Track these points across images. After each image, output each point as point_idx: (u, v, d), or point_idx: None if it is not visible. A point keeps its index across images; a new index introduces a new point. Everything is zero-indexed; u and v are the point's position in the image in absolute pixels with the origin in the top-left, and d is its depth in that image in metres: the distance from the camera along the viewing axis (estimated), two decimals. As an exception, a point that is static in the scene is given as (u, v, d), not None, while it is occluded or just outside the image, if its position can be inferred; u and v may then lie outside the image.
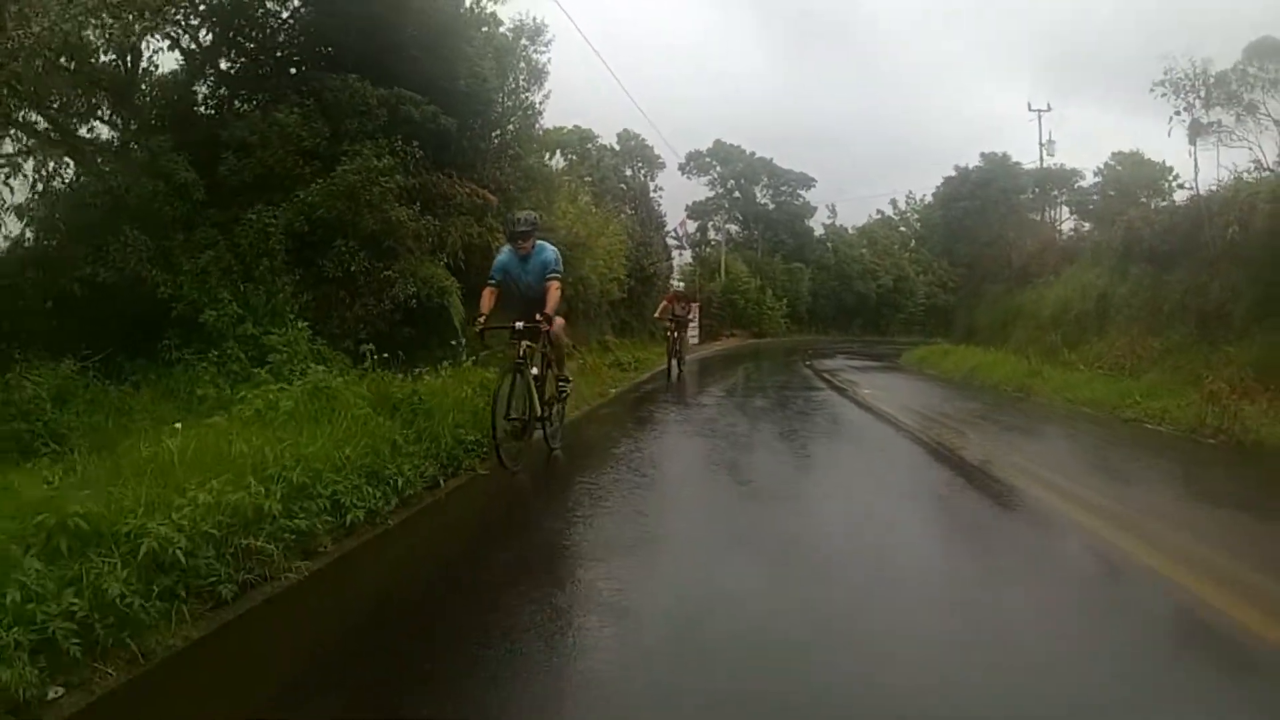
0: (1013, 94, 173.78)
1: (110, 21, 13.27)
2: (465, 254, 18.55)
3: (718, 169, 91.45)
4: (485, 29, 24.34)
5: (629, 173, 60.46)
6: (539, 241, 13.16)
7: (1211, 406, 16.44)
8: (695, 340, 44.36)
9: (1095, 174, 50.08)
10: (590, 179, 43.09)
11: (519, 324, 12.33)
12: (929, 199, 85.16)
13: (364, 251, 16.15)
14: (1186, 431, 16.32)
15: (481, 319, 12.69)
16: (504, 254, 13.21)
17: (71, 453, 8.90)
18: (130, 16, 13.78)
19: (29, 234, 15.41)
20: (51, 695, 4.75)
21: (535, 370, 12.47)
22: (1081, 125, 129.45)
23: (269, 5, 19.51)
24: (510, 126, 24.31)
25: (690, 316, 35.49)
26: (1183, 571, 7.32)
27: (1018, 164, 56.92)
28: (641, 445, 14.90)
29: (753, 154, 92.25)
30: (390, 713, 4.79)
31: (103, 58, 15.66)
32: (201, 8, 18.16)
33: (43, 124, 15.36)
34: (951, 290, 56.94)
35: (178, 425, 8.45)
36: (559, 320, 13.00)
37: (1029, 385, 25.75)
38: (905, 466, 13.52)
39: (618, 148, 61.03)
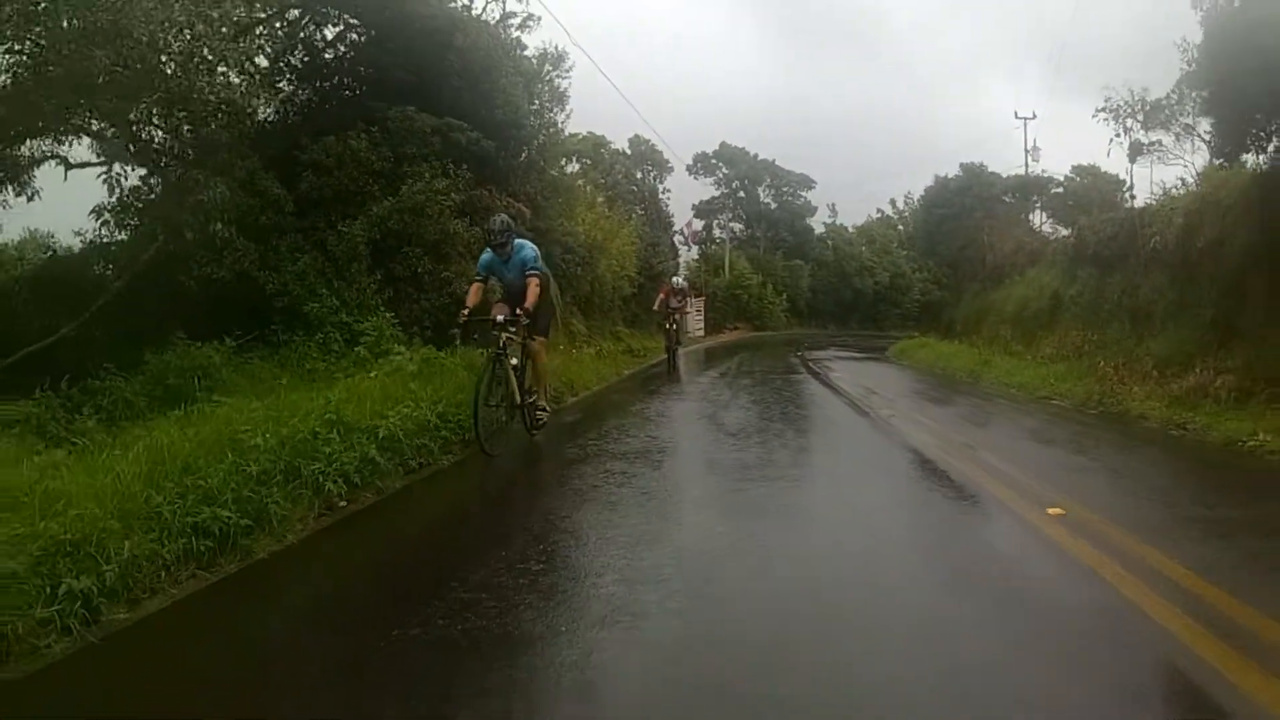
0: (1018, 91, 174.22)
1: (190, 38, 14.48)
2: None
3: (723, 170, 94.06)
4: (514, 54, 27.11)
5: (639, 175, 62.09)
6: (518, 240, 14.09)
7: (1099, 387, 20.46)
8: (701, 332, 46.52)
9: (1060, 184, 51.90)
10: (604, 182, 45.09)
11: (499, 316, 13.18)
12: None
13: (427, 256, 19.24)
14: (1077, 405, 20.19)
15: (465, 312, 13.59)
16: (487, 253, 14.16)
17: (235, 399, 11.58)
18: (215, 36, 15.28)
19: (159, 235, 17.37)
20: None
21: (515, 360, 13.30)
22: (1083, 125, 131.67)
23: (326, 33, 22.65)
24: (536, 142, 26.70)
25: (688, 308, 37.30)
26: (980, 475, 11.37)
27: (994, 174, 58.36)
28: (651, 405, 19.31)
29: (756, 156, 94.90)
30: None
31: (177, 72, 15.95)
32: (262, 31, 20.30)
33: (111, 132, 17.10)
34: (945, 287, 58.05)
35: (372, 374, 13.36)
36: (539, 341, 13.89)
37: (978, 372, 29.33)
38: (833, 418, 18.54)
39: (629, 152, 62.97)
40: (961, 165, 63.82)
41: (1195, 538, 8.37)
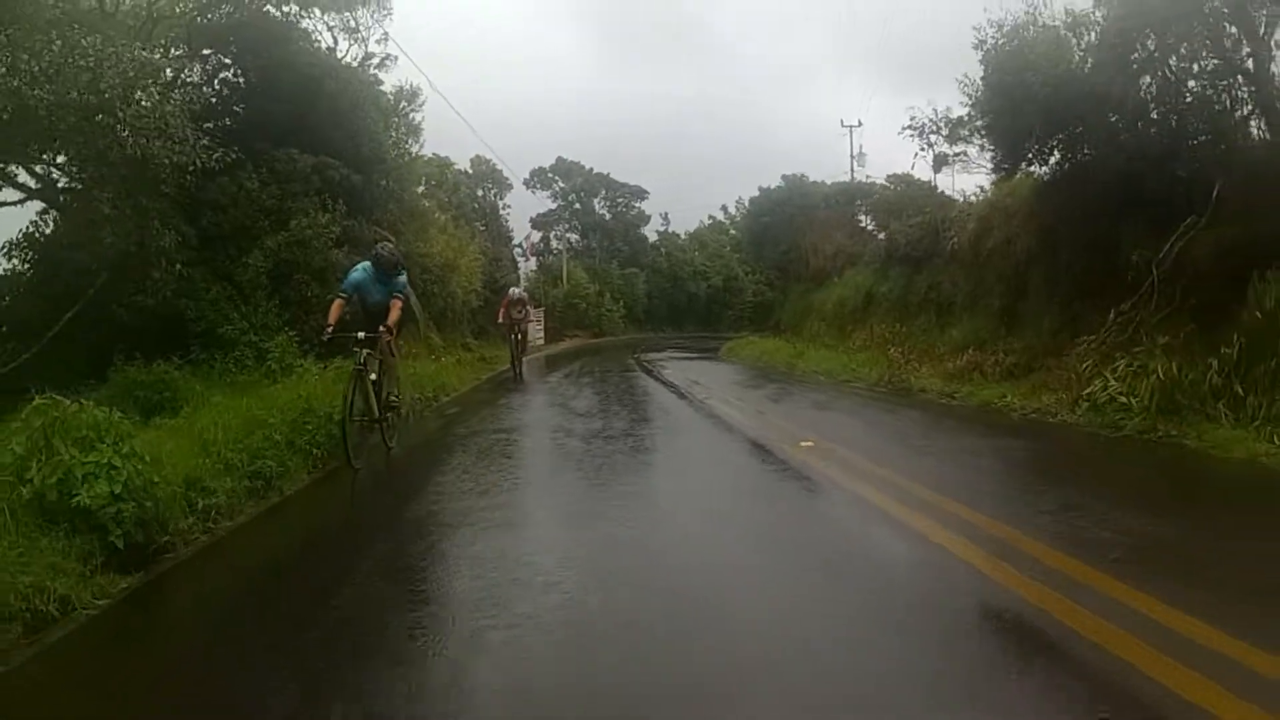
0: (850, 96, 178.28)
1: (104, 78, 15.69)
2: None
3: (559, 184, 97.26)
4: (375, 93, 30.04)
5: (480, 193, 64.12)
6: (398, 273, 15.02)
7: (890, 369, 24.34)
8: (541, 340, 48.73)
9: (878, 191, 51.84)
10: (449, 201, 46.27)
11: (361, 334, 13.87)
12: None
13: (314, 282, 21.36)
14: (870, 385, 24.32)
15: (330, 328, 14.12)
16: (359, 273, 14.61)
17: (184, 406, 14.14)
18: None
19: (95, 268, 18.48)
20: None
21: (374, 376, 13.84)
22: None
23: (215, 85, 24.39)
24: (395, 174, 29.18)
25: (531, 319, 38.93)
26: (763, 429, 16.27)
27: (815, 183, 58.95)
28: (514, 398, 23.97)
29: (591, 169, 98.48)
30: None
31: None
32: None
33: (22, 177, 18.72)
34: (775, 289, 59.59)
35: (316, 376, 16.28)
36: (388, 337, 14.32)
37: (793, 364, 32.89)
38: (661, 402, 22.53)
39: (470, 171, 64.42)
40: (783, 176, 65.94)
41: (911, 458, 13.02)
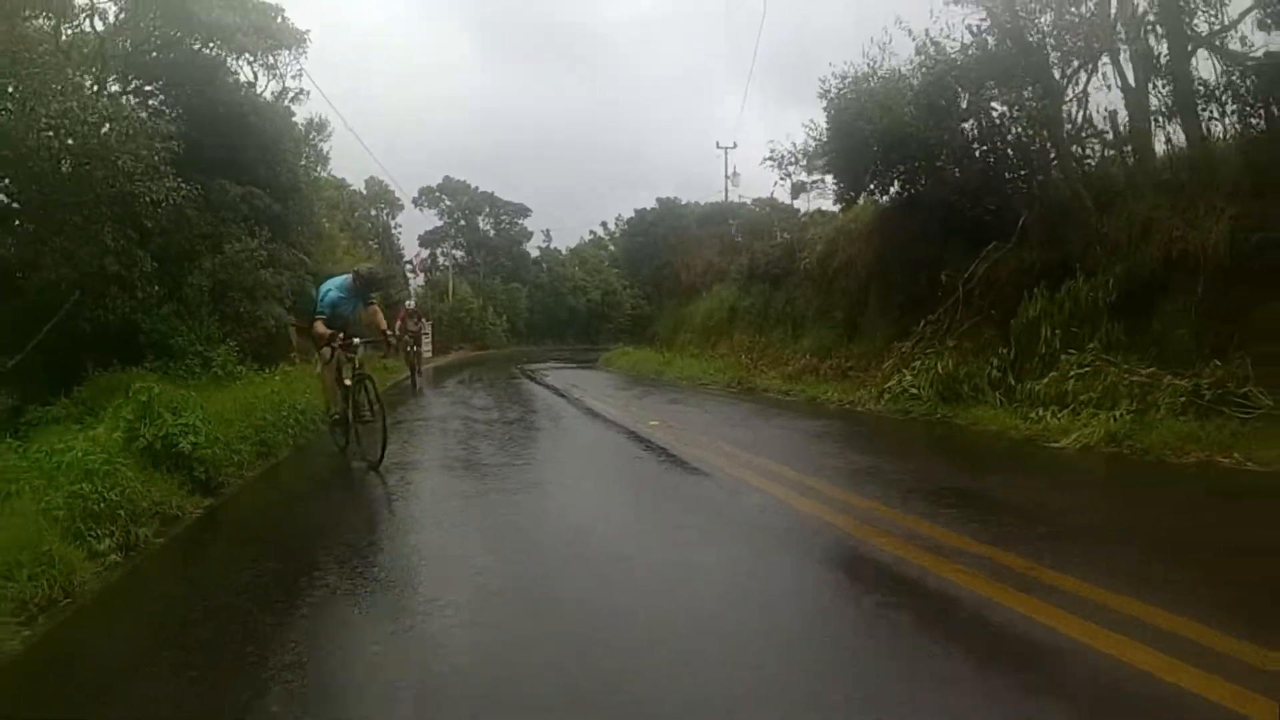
0: (733, 110, 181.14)
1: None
2: (295, 296, 26.69)
3: (446, 202, 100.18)
4: (289, 125, 32.68)
5: (374, 213, 66.56)
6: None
7: (740, 373, 28.30)
8: (429, 353, 50.99)
9: (746, 212, 54.07)
10: (346, 221, 48.73)
11: (356, 340, 14.24)
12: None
13: (247, 299, 24.36)
14: (723, 386, 28.51)
15: (338, 340, 14.08)
16: (333, 292, 14.52)
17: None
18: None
19: (65, 287, 19.84)
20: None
21: (348, 381, 14.11)
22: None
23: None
24: (306, 199, 32.04)
25: (425, 330, 40.96)
26: (623, 415, 20.57)
27: (687, 205, 62.78)
28: (420, 400, 26.47)
29: (476, 188, 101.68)
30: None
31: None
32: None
33: None
34: (651, 302, 63.45)
35: (277, 378, 19.35)
36: (393, 341, 16.05)
37: (661, 371, 36.76)
38: (545, 400, 25.98)
39: (365, 192, 67.22)
40: (658, 199, 68.98)
41: (732, 431, 17.42)
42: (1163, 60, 17.85)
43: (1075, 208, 18.17)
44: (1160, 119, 18.21)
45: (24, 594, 6.49)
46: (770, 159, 29.92)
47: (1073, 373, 15.57)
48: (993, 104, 21.04)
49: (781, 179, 31.63)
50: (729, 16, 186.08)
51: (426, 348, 43.24)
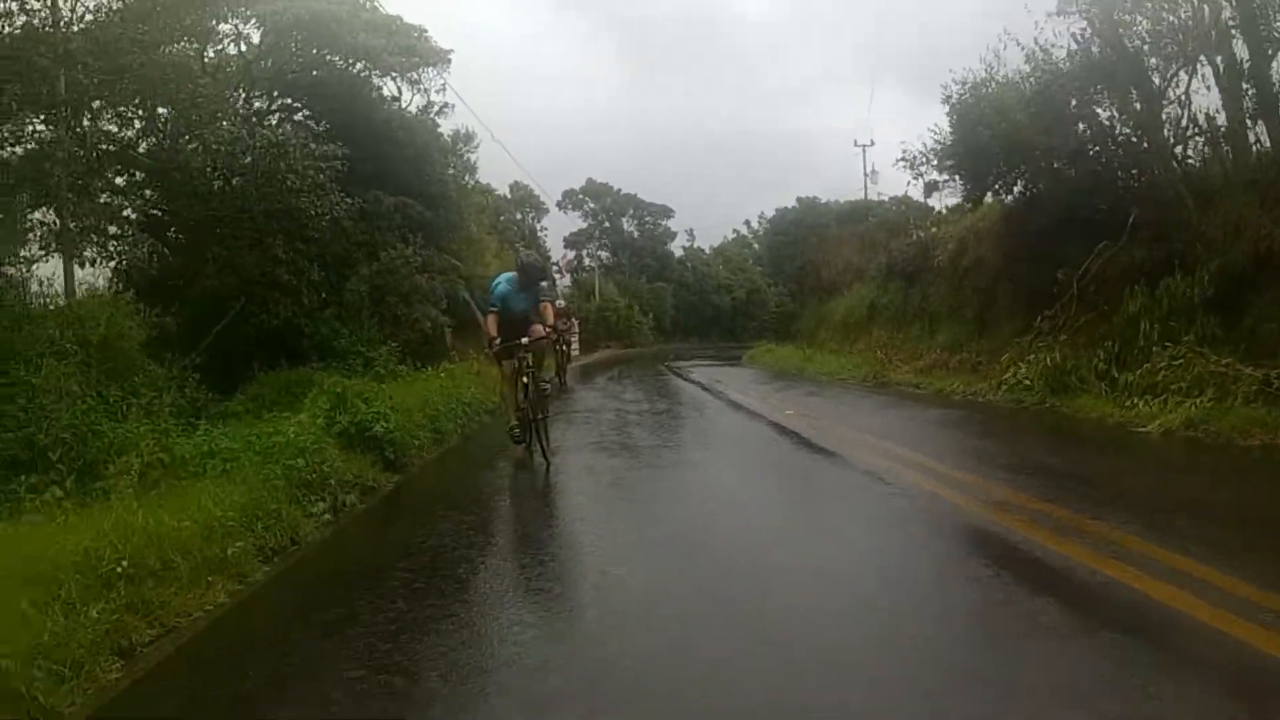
0: (876, 106, 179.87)
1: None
2: (448, 300, 27.91)
3: (590, 204, 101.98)
4: (437, 137, 34.45)
5: (519, 216, 68.19)
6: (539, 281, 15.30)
7: (875, 368, 29.24)
8: (577, 351, 52.29)
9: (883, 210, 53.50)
10: (493, 225, 50.70)
11: (524, 339, 14.06)
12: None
13: (402, 303, 25.36)
14: (859, 380, 29.50)
15: (496, 340, 14.14)
16: (503, 285, 14.57)
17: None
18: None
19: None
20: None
21: (527, 378, 14.14)
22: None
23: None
24: (456, 207, 33.27)
25: (574, 329, 41.97)
26: (763, 406, 21.93)
27: (827, 204, 63.91)
28: (573, 396, 26.93)
29: (620, 190, 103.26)
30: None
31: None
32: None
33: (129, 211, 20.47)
34: (795, 300, 64.08)
35: (442, 375, 21.22)
36: (552, 337, 15.27)
37: (802, 367, 37.78)
38: (691, 394, 28.04)
39: (510, 196, 68.03)
40: (798, 199, 70.58)
41: (861, 418, 18.80)
42: (1244, 65, 18.69)
43: (1177, 206, 18.95)
44: (1249, 121, 18.94)
45: (261, 542, 8.35)
46: (902, 159, 30.63)
47: (1163, 364, 16.67)
48: (1098, 108, 21.94)
49: (914, 179, 31.95)
50: (864, 13, 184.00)
51: (576, 347, 44.40)
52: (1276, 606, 5.87)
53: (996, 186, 26.03)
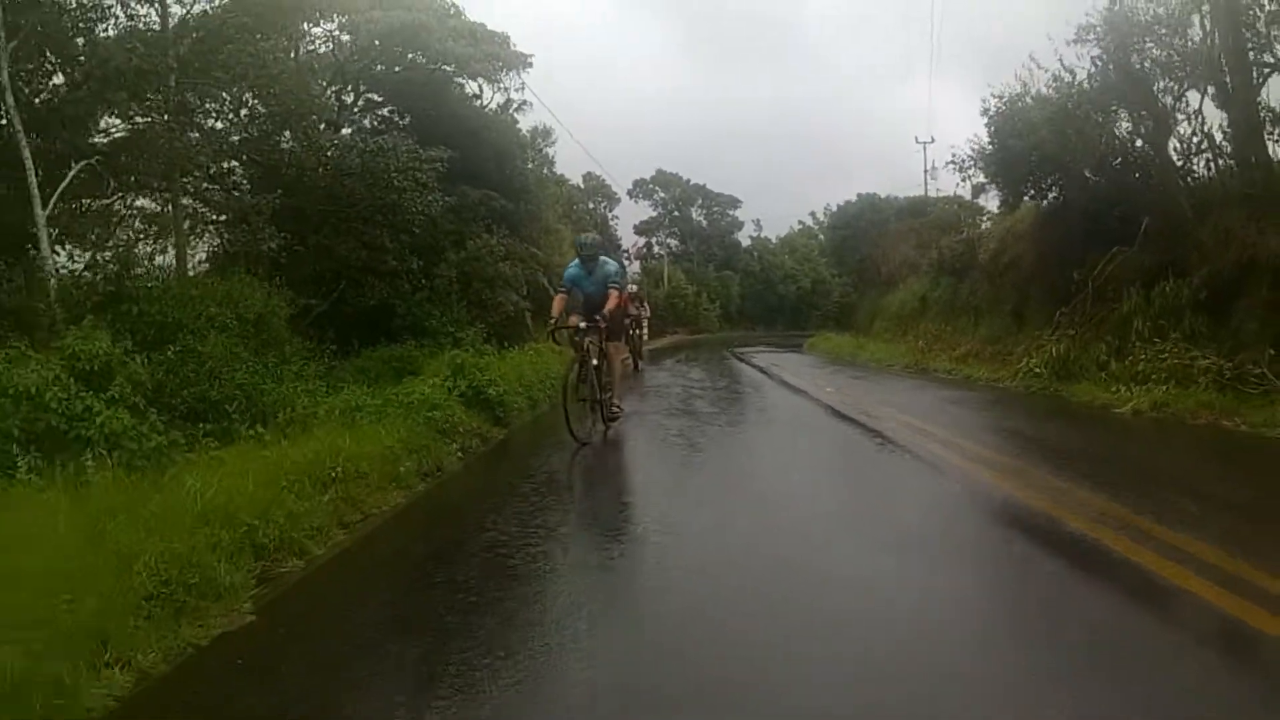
0: (940, 95, 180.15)
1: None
2: (528, 285, 30.07)
3: (659, 194, 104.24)
4: (517, 133, 37.15)
5: (591, 206, 70.44)
6: (601, 257, 15.39)
7: (917, 356, 31.83)
8: (647, 335, 54.64)
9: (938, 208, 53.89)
10: (567, 214, 53.16)
11: (582, 324, 14.23)
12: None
13: (487, 288, 27.47)
14: (904, 366, 32.09)
15: (553, 321, 14.81)
16: (573, 267, 15.16)
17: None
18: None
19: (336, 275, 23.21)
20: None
21: (595, 361, 14.33)
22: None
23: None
24: (535, 199, 35.94)
25: (645, 313, 41.78)
26: (809, 385, 24.62)
27: (887, 199, 66.05)
28: (643, 378, 28.90)
29: (689, 180, 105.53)
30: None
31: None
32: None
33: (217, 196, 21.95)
34: (857, 292, 65.59)
35: (527, 352, 24.02)
36: (614, 345, 15.41)
37: (855, 355, 40.24)
38: (749, 375, 30.87)
39: (583, 186, 71.40)
40: (858, 195, 71.15)
41: (891, 396, 21.46)
42: (1232, 90, 21.01)
43: (1180, 217, 21.23)
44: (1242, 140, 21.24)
45: (418, 466, 11.54)
46: (952, 162, 32.66)
47: (1144, 356, 19.43)
48: (1117, 125, 24.03)
49: (961, 181, 34.03)
50: (930, 6, 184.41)
51: (645, 331, 46.42)
52: (1139, 523, 8.40)
53: (1031, 192, 28.37)
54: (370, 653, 5.79)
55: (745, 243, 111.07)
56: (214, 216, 22.15)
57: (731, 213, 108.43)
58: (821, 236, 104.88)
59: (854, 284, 68.46)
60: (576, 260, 15.38)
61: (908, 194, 62.17)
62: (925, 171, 59.19)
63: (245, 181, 22.84)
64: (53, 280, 14.71)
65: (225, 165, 22.20)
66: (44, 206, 15.25)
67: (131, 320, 13.39)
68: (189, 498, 7.62)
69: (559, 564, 8.10)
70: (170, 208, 19.91)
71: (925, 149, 59.63)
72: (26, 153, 14.94)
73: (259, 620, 6.38)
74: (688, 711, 5.08)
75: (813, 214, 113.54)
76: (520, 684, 5.26)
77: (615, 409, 15.28)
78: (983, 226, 38.70)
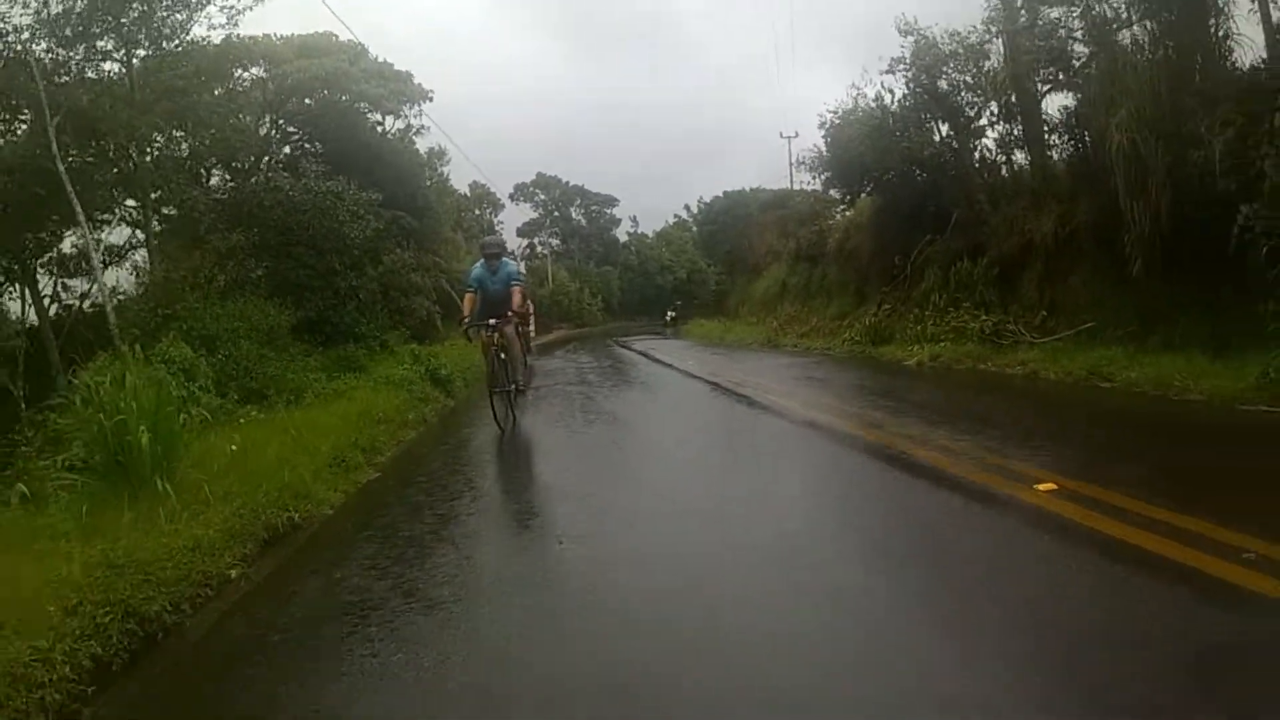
0: (813, 86, 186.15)
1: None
2: (436, 291, 34.87)
3: (540, 196, 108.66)
4: (417, 155, 42.09)
5: (477, 213, 73.80)
6: (503, 258, 16.39)
7: (770, 334, 36.95)
8: (534, 332, 57.89)
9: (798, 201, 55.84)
10: (457, 222, 56.29)
11: (492, 320, 15.06)
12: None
13: (404, 296, 31.10)
14: (759, 343, 37.18)
15: (465, 319, 15.69)
16: (478, 268, 15.84)
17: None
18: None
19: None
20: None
21: (502, 355, 15.33)
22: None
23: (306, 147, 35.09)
24: (434, 214, 40.02)
25: (530, 311, 46.38)
26: (674, 360, 30.96)
27: (753, 190, 70.85)
28: (541, 363, 33.24)
29: (568, 182, 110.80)
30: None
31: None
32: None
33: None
34: (728, 281, 69.97)
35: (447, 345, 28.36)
36: (514, 320, 15.89)
37: (722, 336, 45.45)
38: (630, 359, 35.55)
39: (469, 194, 74.63)
40: (724, 192, 76.80)
41: (733, 365, 26.95)
42: (1016, 108, 26.38)
43: (980, 209, 26.07)
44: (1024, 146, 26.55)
45: (415, 417, 16.82)
46: (802, 163, 38.29)
47: (931, 321, 25.26)
48: (931, 135, 28.98)
49: (812, 179, 39.09)
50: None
51: (532, 328, 50.24)
52: (893, 424, 13.33)
53: (868, 190, 33.71)
54: (437, 481, 11.74)
55: (623, 238, 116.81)
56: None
57: (609, 210, 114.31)
58: (695, 229, 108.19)
59: (725, 272, 72.78)
60: (481, 260, 16.28)
61: (777, 186, 65.59)
62: (790, 165, 60.96)
63: (210, 214, 26.17)
64: (109, 306, 19.91)
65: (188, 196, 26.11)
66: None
67: (184, 334, 17.54)
68: (314, 424, 13.08)
69: (507, 447, 14.25)
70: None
71: (789, 144, 61.90)
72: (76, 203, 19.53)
73: (379, 475, 12.32)
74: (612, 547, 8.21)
75: (686, 207, 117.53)
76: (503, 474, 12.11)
77: (521, 386, 16.38)
78: (835, 218, 42.96)
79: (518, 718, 5.15)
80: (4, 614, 5.61)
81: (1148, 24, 19.57)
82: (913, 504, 9.09)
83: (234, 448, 10.43)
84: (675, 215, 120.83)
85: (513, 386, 15.65)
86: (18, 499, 8.56)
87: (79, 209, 19.71)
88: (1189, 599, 5.91)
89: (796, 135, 62.03)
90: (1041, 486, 8.66)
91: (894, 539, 7.97)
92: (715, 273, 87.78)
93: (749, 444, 13.82)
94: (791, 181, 60.59)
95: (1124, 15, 20.83)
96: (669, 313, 75.82)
